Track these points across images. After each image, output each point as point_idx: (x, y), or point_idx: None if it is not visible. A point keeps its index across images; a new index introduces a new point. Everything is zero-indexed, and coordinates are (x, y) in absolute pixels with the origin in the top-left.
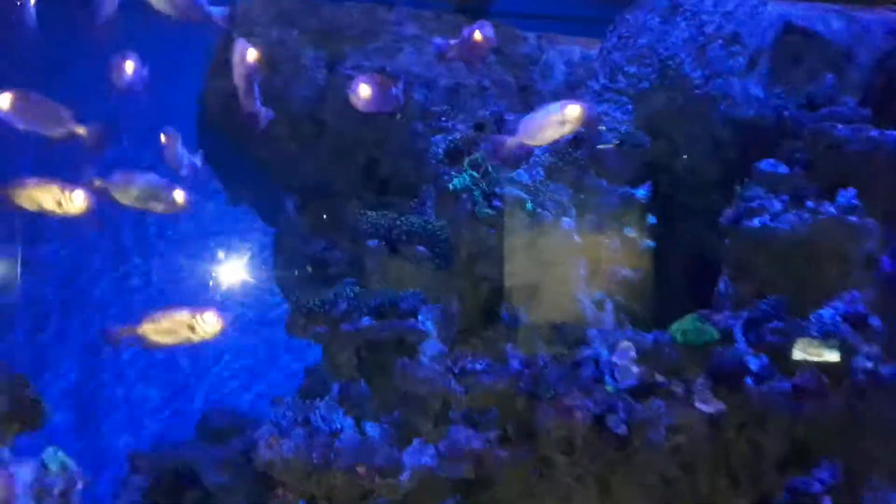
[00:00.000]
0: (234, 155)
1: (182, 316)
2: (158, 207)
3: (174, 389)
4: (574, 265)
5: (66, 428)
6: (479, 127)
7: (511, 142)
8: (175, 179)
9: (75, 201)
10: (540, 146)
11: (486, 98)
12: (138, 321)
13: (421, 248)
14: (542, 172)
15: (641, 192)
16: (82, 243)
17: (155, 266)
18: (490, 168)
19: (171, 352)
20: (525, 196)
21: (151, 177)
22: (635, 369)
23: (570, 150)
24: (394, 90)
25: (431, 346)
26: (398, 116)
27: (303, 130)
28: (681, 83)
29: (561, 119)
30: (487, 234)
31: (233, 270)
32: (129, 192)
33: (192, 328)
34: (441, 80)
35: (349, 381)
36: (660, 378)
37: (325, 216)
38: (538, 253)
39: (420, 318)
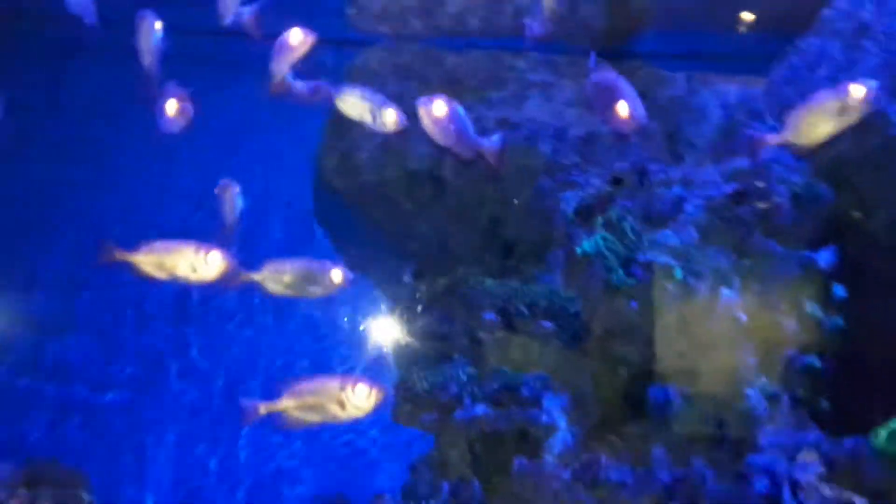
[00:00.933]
0: (347, 216)
1: (330, 388)
2: (317, 292)
3: (269, 475)
4: (739, 349)
5: None
6: (615, 181)
7: (773, 139)
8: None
9: (212, 264)
10: (811, 145)
11: (626, 148)
12: (279, 395)
13: (546, 322)
14: (694, 233)
15: (824, 258)
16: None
17: (264, 339)
18: (629, 229)
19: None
20: (674, 262)
21: (303, 261)
22: (826, 489)
23: (730, 204)
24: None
25: (559, 443)
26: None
27: (420, 190)
28: (873, 122)
29: (840, 105)
30: (626, 307)
31: (341, 344)
32: (281, 279)
33: (341, 403)
34: (571, 130)
35: (460, 480)
36: (860, 501)
37: (441, 283)
38: (692, 333)
39: (545, 407)
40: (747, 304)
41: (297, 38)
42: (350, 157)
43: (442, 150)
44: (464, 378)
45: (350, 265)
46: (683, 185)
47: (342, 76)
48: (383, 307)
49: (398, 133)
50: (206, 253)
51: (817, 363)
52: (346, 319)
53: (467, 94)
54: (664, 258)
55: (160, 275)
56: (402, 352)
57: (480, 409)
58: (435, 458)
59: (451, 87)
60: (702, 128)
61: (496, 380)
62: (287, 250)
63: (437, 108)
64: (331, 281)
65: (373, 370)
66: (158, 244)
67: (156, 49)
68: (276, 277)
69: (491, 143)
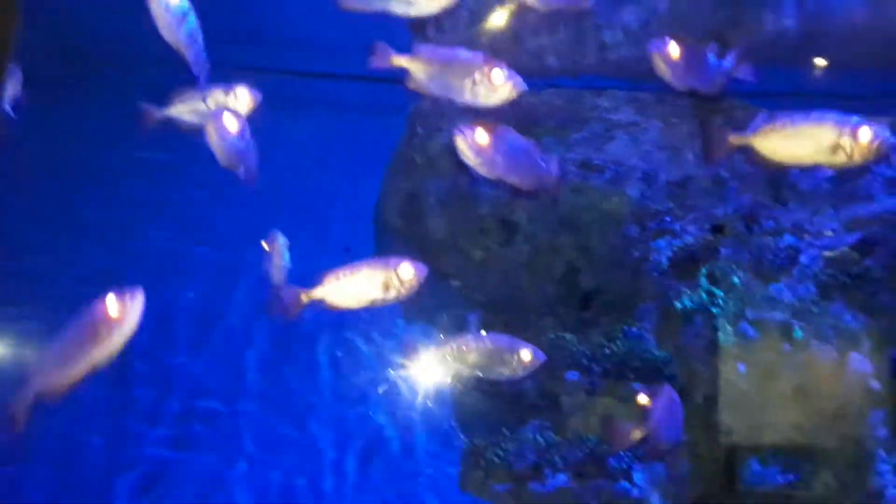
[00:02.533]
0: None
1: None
2: (505, 372)
3: None
4: (869, 419)
5: None
6: (717, 229)
7: None
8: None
9: (404, 276)
10: None
11: (725, 193)
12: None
13: (637, 384)
14: (813, 288)
15: None
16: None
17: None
18: (738, 281)
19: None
20: (791, 321)
21: (493, 339)
22: None
23: (854, 256)
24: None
25: None
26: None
27: (491, 235)
28: None
29: (835, 141)
30: (734, 371)
31: (407, 403)
32: (467, 357)
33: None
34: (662, 173)
35: None
36: None
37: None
38: (813, 401)
39: (636, 479)
40: (880, 369)
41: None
42: (415, 198)
43: (514, 191)
44: (542, 444)
45: (412, 317)
46: (796, 234)
47: (407, 117)
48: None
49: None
50: (397, 267)
51: None
52: (407, 374)
53: (547, 134)
54: (780, 315)
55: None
56: (470, 413)
57: (561, 478)
58: None
59: (528, 127)
60: (811, 172)
61: (580, 447)
62: None
63: (479, 137)
64: (521, 361)
65: (438, 434)
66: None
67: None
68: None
69: (547, 168)
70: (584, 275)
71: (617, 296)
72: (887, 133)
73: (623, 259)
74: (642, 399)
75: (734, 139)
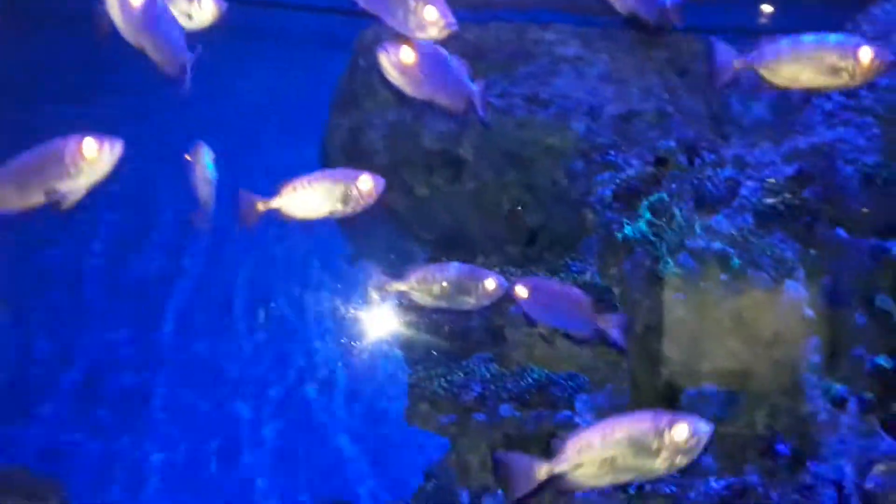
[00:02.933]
0: None
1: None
2: (469, 302)
3: (275, 479)
4: (802, 347)
5: None
6: (660, 162)
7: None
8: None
9: (363, 188)
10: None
11: (669, 127)
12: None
13: None
14: (751, 219)
15: None
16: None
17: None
18: (679, 213)
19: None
20: (730, 250)
21: (454, 268)
22: None
23: (792, 188)
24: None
25: None
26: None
27: (437, 172)
28: None
29: (838, 63)
30: (673, 300)
31: (351, 339)
32: (430, 289)
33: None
34: (608, 107)
35: (482, 489)
36: None
37: None
38: (749, 329)
39: (578, 408)
40: (813, 297)
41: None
42: (359, 134)
43: (462, 125)
44: (487, 376)
45: (359, 254)
46: (737, 167)
47: (351, 49)
48: (395, 299)
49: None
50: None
51: (888, 363)
52: (354, 312)
53: (492, 68)
54: (718, 245)
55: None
56: (416, 348)
57: (505, 410)
58: (453, 464)
59: (473, 61)
60: (752, 106)
61: (523, 378)
62: (285, 236)
63: (403, 55)
64: (485, 290)
65: (385, 367)
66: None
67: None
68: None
69: (473, 87)
70: (530, 211)
71: (561, 231)
72: (886, 52)
73: (568, 194)
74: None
75: (738, 63)
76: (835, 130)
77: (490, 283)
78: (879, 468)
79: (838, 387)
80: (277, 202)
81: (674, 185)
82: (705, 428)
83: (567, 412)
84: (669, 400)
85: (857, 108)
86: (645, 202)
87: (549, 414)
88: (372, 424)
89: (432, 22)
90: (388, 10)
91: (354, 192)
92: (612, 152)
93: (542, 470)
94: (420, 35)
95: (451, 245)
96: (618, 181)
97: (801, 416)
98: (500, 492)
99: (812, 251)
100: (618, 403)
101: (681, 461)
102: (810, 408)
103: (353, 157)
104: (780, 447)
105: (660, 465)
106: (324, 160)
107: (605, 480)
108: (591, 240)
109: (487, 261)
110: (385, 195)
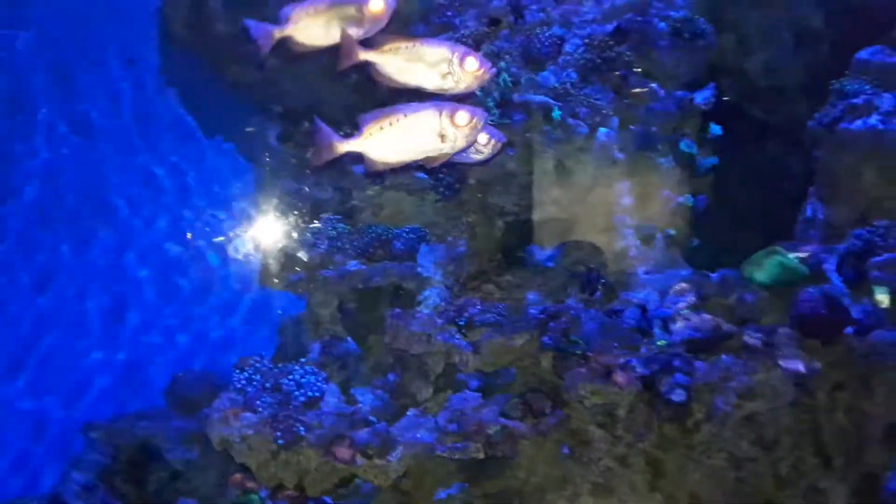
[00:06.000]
0: (204, 77)
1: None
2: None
3: (137, 349)
4: (615, 190)
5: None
6: (492, 22)
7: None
8: None
9: (374, 8)
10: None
11: None
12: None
13: (420, 174)
14: (574, 74)
15: (702, 98)
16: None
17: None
18: (505, 69)
19: (136, 304)
20: (552, 102)
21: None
22: (695, 318)
23: (610, 43)
24: None
25: (434, 296)
26: None
27: (284, 41)
28: None
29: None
30: (504, 154)
31: (204, 214)
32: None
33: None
34: None
35: (333, 338)
36: (728, 327)
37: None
38: (569, 175)
39: (420, 260)
40: (625, 144)
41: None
42: (199, 3)
43: None
44: (333, 234)
45: (206, 130)
46: (563, 25)
47: None
48: (247, 173)
49: None
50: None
51: (690, 201)
52: (204, 183)
53: None
54: (542, 98)
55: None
56: (269, 215)
57: (352, 265)
58: (306, 319)
59: None
60: None
61: (368, 235)
62: (128, 115)
63: None
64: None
65: (238, 237)
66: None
67: None
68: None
69: None
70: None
71: (409, 97)
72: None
73: None
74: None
75: None
76: None
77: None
78: (675, 289)
79: (649, 225)
80: (291, 30)
81: (504, 44)
82: (483, 113)
83: (409, 263)
84: (504, 248)
85: None
86: None
87: (393, 266)
88: (226, 288)
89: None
90: None
91: (364, 11)
92: (450, 13)
93: (343, 146)
94: None
95: (302, 116)
96: (455, 41)
97: (618, 251)
98: (348, 339)
99: (625, 101)
100: (457, 254)
101: (460, 143)
102: (622, 245)
103: (195, 27)
104: (595, 279)
105: (444, 146)
106: (164, 34)
107: (396, 159)
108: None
109: (341, 131)
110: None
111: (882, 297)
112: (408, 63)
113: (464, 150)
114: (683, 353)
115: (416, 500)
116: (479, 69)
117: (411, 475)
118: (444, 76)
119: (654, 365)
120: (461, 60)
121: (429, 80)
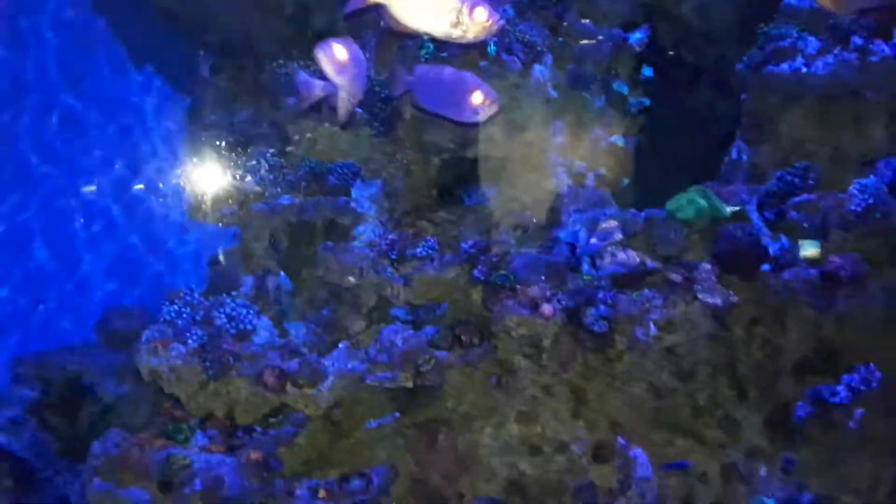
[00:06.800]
0: (133, 8)
1: None
2: None
3: (68, 281)
4: (548, 128)
5: None
6: None
7: None
8: None
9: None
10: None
11: None
12: None
13: (356, 109)
14: (510, 10)
15: (636, 38)
16: None
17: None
18: None
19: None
20: (488, 38)
21: None
22: (621, 254)
23: None
24: None
25: (369, 231)
26: None
27: None
28: None
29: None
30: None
31: (134, 148)
32: None
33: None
34: None
35: (265, 272)
36: (652, 263)
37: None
38: (506, 114)
39: (354, 195)
40: (559, 81)
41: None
42: None
43: None
44: (266, 167)
45: (134, 59)
46: None
47: None
48: (181, 109)
49: None
50: None
51: (622, 142)
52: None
53: None
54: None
55: None
56: (199, 148)
57: (285, 199)
58: (238, 253)
59: None
60: None
61: (301, 168)
62: (55, 47)
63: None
64: None
65: (168, 170)
66: None
67: None
68: None
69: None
70: (315, 14)
71: (342, 28)
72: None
73: None
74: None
75: None
76: None
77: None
78: (603, 226)
79: (580, 163)
80: None
81: None
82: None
83: (344, 198)
84: (439, 185)
85: None
86: None
87: (326, 201)
88: (156, 222)
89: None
90: None
91: None
92: None
93: None
94: None
95: (236, 48)
96: None
97: (549, 189)
98: (281, 273)
99: (560, 39)
100: (392, 189)
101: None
102: (555, 183)
103: None
104: (527, 217)
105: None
106: None
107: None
108: (368, 32)
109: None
110: None
111: (812, 251)
112: (417, 9)
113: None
114: (608, 286)
115: (348, 429)
116: (487, 20)
117: (343, 405)
118: (453, 25)
119: (579, 298)
120: (470, 11)
121: (438, 27)
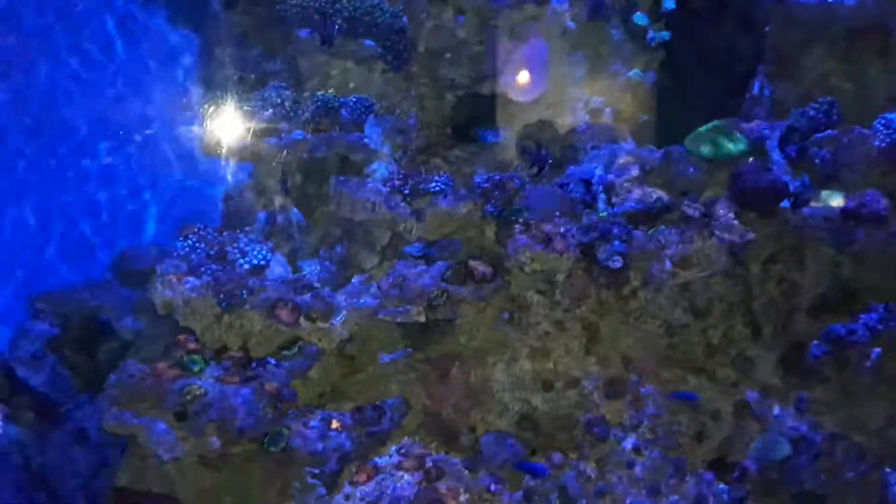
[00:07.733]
0: None
1: None
2: None
3: (85, 222)
4: (566, 63)
5: None
6: None
7: None
8: None
9: None
10: None
11: None
12: None
13: (369, 42)
14: None
15: None
16: None
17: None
18: None
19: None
20: None
21: None
22: (637, 190)
23: None
24: None
25: (382, 168)
26: None
27: None
28: None
29: None
30: (454, 22)
31: (147, 85)
32: None
33: None
34: None
35: (279, 209)
36: (670, 199)
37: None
38: (521, 47)
39: (367, 130)
40: (577, 14)
41: None
42: None
43: None
44: (278, 101)
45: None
46: None
47: None
48: (190, 41)
49: None
50: None
51: (640, 76)
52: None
53: None
54: None
55: None
56: (212, 82)
57: (298, 134)
58: (251, 188)
59: None
60: None
61: (314, 103)
62: None
63: None
64: None
65: (184, 105)
66: None
67: None
68: None
69: None
70: None
71: None
72: None
73: None
74: None
75: None
76: None
77: None
78: (620, 162)
79: (598, 99)
80: None
81: None
82: None
83: (357, 134)
84: (455, 127)
85: None
86: None
87: (339, 136)
88: (168, 159)
89: None
90: None
91: None
92: None
93: None
94: None
95: None
96: None
97: (566, 125)
98: (295, 209)
99: None
100: (406, 126)
101: None
102: (572, 120)
103: None
104: (544, 154)
105: None
106: None
107: None
108: None
109: None
110: None
111: (839, 201)
112: None
113: None
114: (623, 222)
115: (361, 363)
116: None
117: (356, 340)
118: None
119: (593, 233)
120: None
121: None
